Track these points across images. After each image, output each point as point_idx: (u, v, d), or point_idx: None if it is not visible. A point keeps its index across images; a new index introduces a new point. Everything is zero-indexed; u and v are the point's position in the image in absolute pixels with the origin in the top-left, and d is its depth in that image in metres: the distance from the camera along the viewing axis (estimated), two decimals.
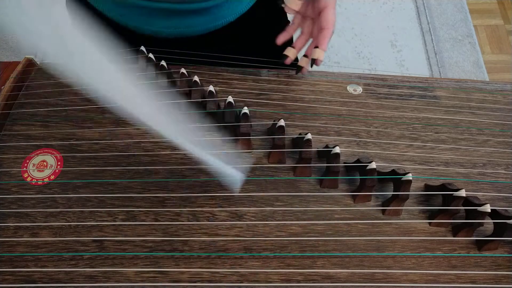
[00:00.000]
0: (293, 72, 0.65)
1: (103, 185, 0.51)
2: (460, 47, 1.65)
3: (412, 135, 0.59)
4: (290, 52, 0.62)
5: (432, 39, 1.66)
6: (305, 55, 0.62)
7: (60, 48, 0.39)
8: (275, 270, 0.46)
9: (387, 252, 0.48)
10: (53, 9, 0.39)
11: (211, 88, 0.54)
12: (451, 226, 0.50)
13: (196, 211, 0.50)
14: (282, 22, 0.81)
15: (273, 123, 0.55)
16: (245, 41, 0.75)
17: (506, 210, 0.48)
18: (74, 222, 0.48)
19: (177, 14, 0.63)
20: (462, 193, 0.47)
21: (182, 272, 0.46)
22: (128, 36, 0.70)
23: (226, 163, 0.45)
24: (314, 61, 0.58)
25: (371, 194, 0.51)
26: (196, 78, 0.56)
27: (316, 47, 0.58)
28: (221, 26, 0.69)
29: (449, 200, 0.49)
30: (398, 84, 0.65)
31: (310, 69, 0.60)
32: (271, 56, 0.76)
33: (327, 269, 0.46)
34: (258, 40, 0.77)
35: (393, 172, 0.50)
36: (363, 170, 0.50)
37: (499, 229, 0.47)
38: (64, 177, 0.52)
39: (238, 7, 0.70)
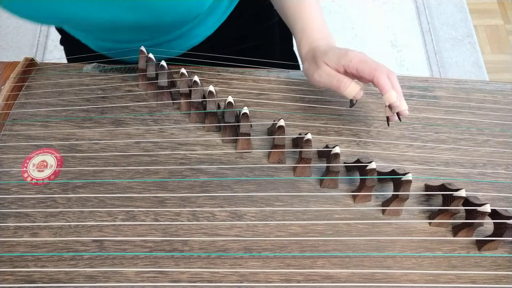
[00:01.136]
0: (293, 72, 0.65)
1: (103, 185, 0.51)
2: (460, 47, 1.65)
3: (412, 135, 0.59)
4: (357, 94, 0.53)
5: (432, 39, 1.66)
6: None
7: None
8: (275, 270, 0.46)
9: (387, 252, 0.48)
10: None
11: (211, 88, 0.54)
12: (451, 226, 0.50)
13: (196, 211, 0.50)
14: (269, 18, 0.79)
15: (273, 123, 0.55)
16: (234, 46, 0.74)
17: (506, 210, 0.48)
18: (74, 222, 0.48)
19: (152, 46, 0.64)
20: (462, 193, 0.47)
21: (182, 272, 0.46)
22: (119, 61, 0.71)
23: None
24: (398, 115, 0.52)
25: (371, 194, 0.51)
26: (196, 78, 0.56)
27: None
28: (200, 42, 0.69)
29: (449, 200, 0.49)
30: None
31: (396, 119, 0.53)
32: (263, 53, 0.75)
33: (327, 269, 0.46)
34: (248, 44, 0.75)
35: (393, 172, 0.50)
36: (363, 170, 0.50)
37: (499, 229, 0.47)
38: (64, 177, 0.52)
39: (211, 22, 0.68)
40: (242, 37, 0.74)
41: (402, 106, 0.51)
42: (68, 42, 0.76)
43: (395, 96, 0.50)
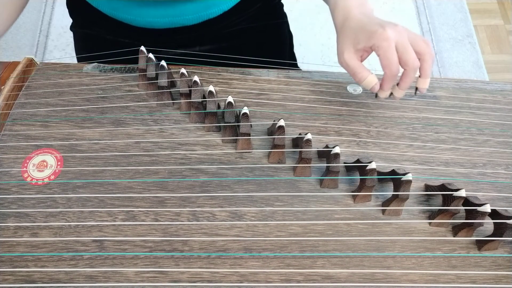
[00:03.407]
0: (294, 73, 0.65)
1: (103, 185, 0.51)
2: (460, 47, 1.65)
3: (412, 135, 0.59)
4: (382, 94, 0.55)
5: (432, 39, 1.66)
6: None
7: None
8: (275, 270, 0.46)
9: (387, 252, 0.48)
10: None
11: (211, 88, 0.54)
12: (451, 226, 0.50)
13: (196, 211, 0.50)
14: (278, 17, 0.80)
15: (273, 123, 0.55)
16: (241, 39, 0.75)
17: (506, 210, 0.48)
18: (74, 222, 0.48)
19: (167, 3, 0.63)
20: (462, 193, 0.47)
21: (182, 272, 0.46)
22: (128, 34, 0.71)
23: None
24: (416, 89, 0.54)
25: (371, 194, 0.51)
26: (196, 78, 0.56)
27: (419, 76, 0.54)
28: (215, 16, 0.68)
29: (449, 200, 0.49)
30: None
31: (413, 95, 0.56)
32: (268, 52, 0.76)
33: (327, 269, 0.46)
34: (255, 38, 0.76)
35: (393, 172, 0.50)
36: (363, 170, 0.50)
37: (499, 229, 0.47)
38: (64, 177, 0.52)
39: None
40: (253, 28, 0.74)
41: (422, 84, 0.53)
42: (76, 11, 0.75)
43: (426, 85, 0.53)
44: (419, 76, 0.53)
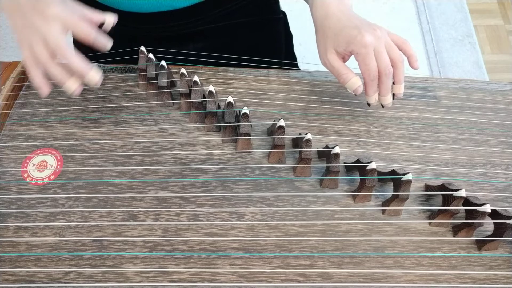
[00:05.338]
0: (294, 73, 0.65)
1: (103, 185, 0.51)
2: (460, 47, 1.65)
3: (412, 135, 0.59)
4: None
5: (432, 39, 1.66)
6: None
7: None
8: (275, 270, 0.46)
9: (387, 252, 0.48)
10: None
11: (211, 88, 0.54)
12: (451, 226, 0.50)
13: (196, 211, 0.50)
14: (273, 12, 0.80)
15: (273, 123, 0.55)
16: (235, 35, 0.74)
17: (506, 210, 0.48)
18: (74, 222, 0.48)
19: None
20: (462, 193, 0.47)
21: (182, 272, 0.46)
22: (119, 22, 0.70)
23: None
24: (394, 95, 0.56)
25: (371, 194, 0.51)
26: (196, 78, 0.56)
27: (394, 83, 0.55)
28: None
29: (449, 200, 0.49)
30: None
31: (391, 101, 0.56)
32: (263, 48, 0.75)
33: (327, 269, 0.46)
34: (248, 34, 0.76)
35: (393, 172, 0.50)
36: (363, 170, 0.50)
37: (499, 229, 0.47)
38: (64, 177, 0.52)
39: None
40: (246, 24, 0.74)
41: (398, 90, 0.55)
42: None
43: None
44: (393, 83, 0.54)
